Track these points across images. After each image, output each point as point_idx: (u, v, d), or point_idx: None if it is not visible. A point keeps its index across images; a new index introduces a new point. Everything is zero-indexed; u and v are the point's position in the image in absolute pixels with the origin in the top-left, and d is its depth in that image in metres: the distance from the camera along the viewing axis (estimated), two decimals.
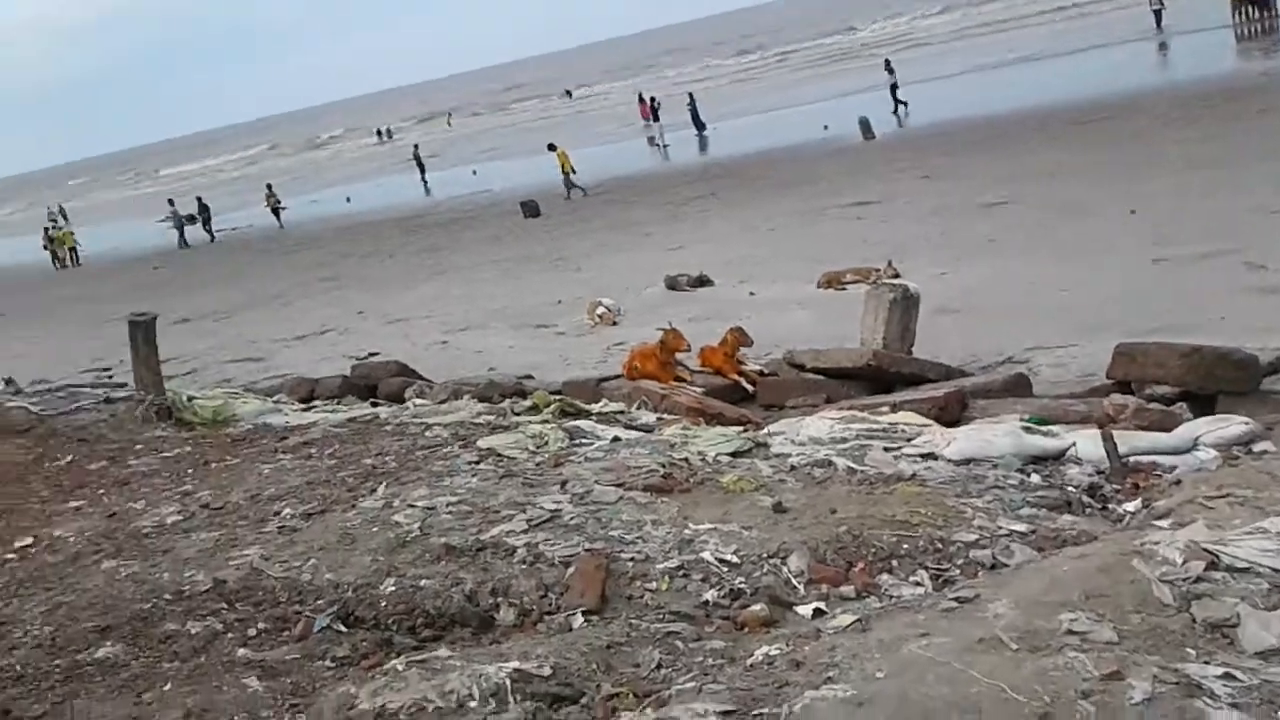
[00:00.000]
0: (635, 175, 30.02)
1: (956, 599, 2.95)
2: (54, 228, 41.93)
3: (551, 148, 28.49)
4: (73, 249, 39.48)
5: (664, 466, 4.64)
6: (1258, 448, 4.33)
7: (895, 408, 5.50)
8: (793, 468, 4.62)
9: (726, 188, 22.55)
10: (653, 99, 39.64)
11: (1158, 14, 32.01)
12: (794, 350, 7.52)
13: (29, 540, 4.63)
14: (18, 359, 8.66)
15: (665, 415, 6.27)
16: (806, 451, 4.83)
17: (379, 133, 75.97)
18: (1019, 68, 34.11)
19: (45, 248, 40.38)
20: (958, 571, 3.47)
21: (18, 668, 3.33)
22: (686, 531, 3.87)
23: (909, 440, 4.81)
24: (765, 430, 5.47)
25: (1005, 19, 48.78)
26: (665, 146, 35.04)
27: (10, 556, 4.47)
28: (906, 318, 7.24)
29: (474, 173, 39.04)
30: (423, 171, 41.62)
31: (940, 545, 3.61)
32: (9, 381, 8.92)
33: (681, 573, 3.58)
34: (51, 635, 3.54)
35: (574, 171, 27.15)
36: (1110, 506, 4.02)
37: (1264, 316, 6.96)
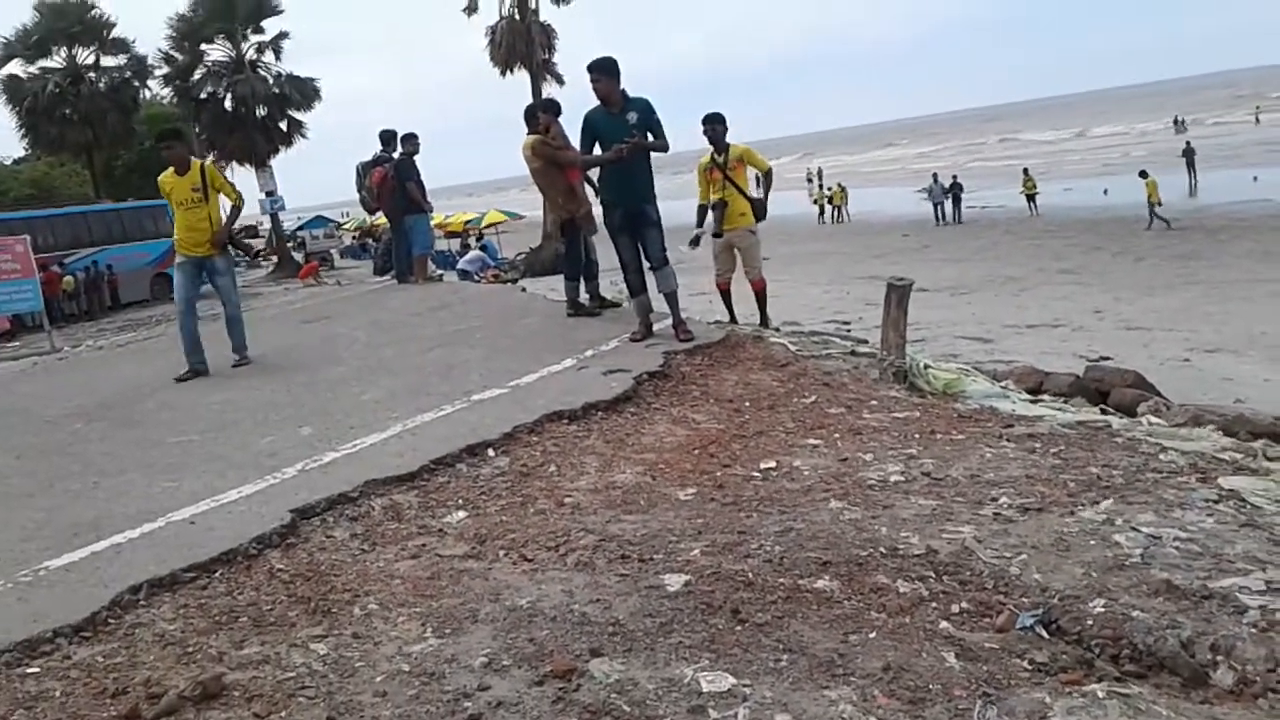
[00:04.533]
0: None
1: None
2: (825, 187, 46.45)
3: (1143, 175, 29.17)
4: (839, 207, 43.39)
5: None
6: None
7: None
8: None
9: None
10: None
11: None
12: None
13: (773, 464, 5.21)
14: (773, 300, 9.77)
15: None
16: None
17: (1176, 121, 71.34)
18: None
19: (814, 202, 44.94)
20: None
21: (749, 575, 3.78)
22: None
23: None
24: None
25: None
26: None
27: (756, 474, 5.07)
28: None
29: (1255, 179, 35.09)
30: (1192, 171, 38.39)
31: None
32: (768, 319, 10.10)
33: None
34: (780, 555, 3.95)
35: (1159, 204, 27.51)
36: None
37: None
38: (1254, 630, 3.33)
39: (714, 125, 9.18)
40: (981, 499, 4.49)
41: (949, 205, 37.49)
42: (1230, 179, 37.33)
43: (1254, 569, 3.71)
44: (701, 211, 9.50)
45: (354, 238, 48.38)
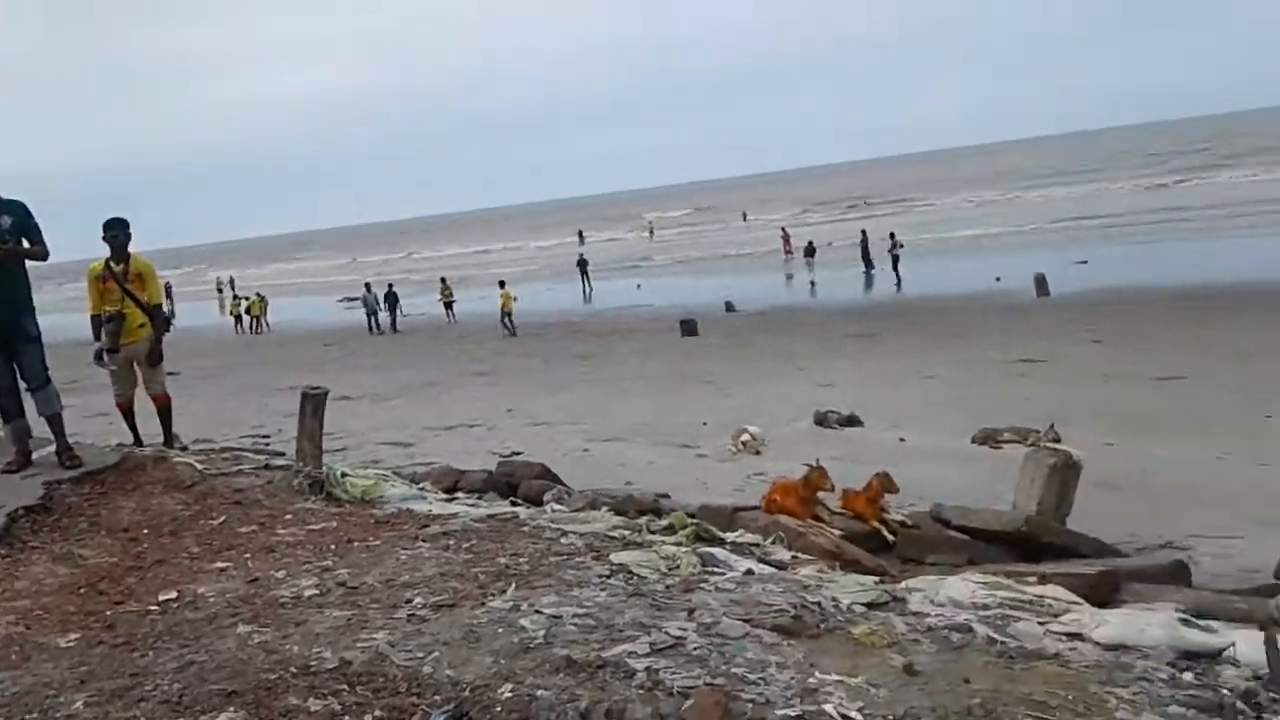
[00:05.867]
0: (796, 306, 30.34)
1: None
2: (240, 297, 44.92)
3: (501, 285, 33.49)
4: (257, 317, 42.09)
5: (795, 608, 4.50)
6: None
7: (1043, 579, 5.24)
8: (929, 628, 4.42)
9: (887, 330, 22.46)
10: (784, 232, 47.49)
11: None
12: (941, 505, 7.29)
13: (174, 595, 4.80)
14: (184, 416, 9.13)
15: (800, 554, 6.13)
16: (945, 613, 4.62)
17: (580, 234, 79.14)
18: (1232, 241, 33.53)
19: (230, 313, 43.21)
20: None
21: None
22: (811, 680, 3.72)
23: (1055, 616, 4.55)
24: (904, 585, 5.28)
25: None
26: (812, 284, 36.27)
27: (154, 608, 4.65)
28: (1065, 487, 6.96)
29: (638, 286, 40.13)
30: (585, 279, 42.96)
31: None
32: (176, 437, 9.36)
33: None
34: (180, 693, 3.62)
35: (511, 312, 31.73)
36: (1265, 716, 3.70)
37: None
38: (641, 691, 3.67)
39: (115, 233, 8.37)
40: (396, 602, 4.50)
41: (383, 314, 37.95)
42: (619, 287, 42.30)
43: (640, 634, 4.10)
44: (95, 322, 8.56)
45: None
